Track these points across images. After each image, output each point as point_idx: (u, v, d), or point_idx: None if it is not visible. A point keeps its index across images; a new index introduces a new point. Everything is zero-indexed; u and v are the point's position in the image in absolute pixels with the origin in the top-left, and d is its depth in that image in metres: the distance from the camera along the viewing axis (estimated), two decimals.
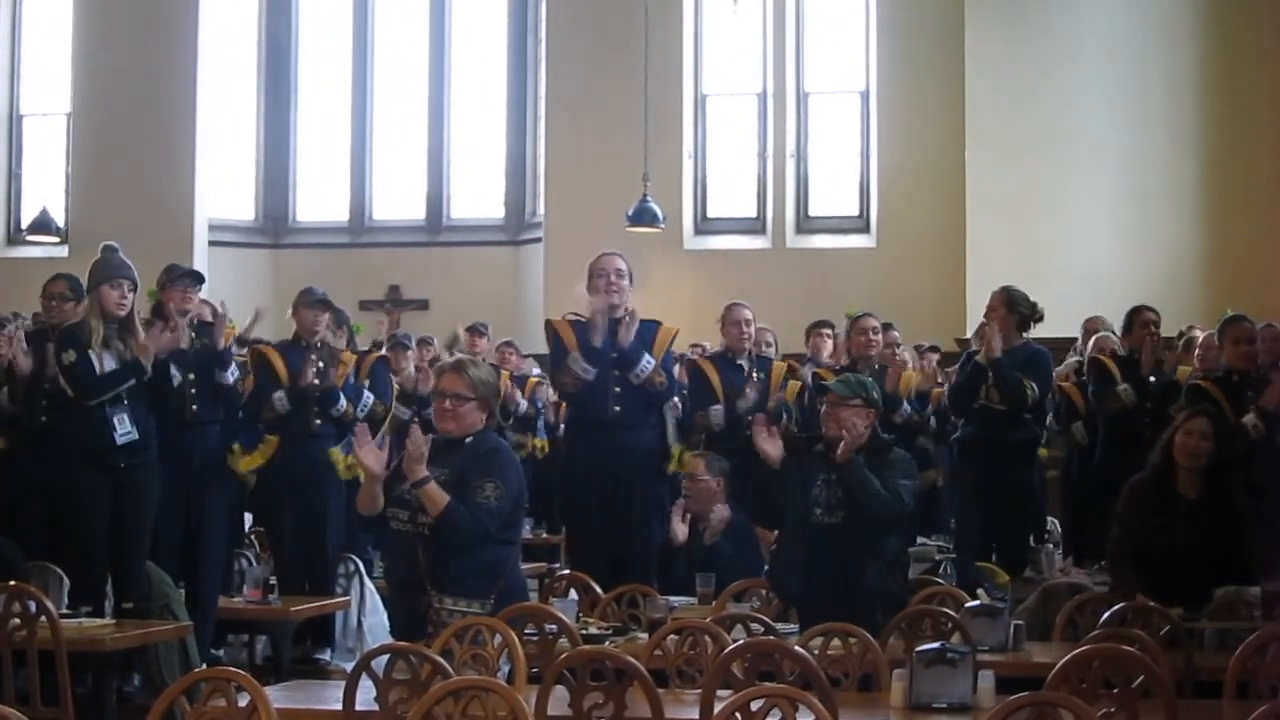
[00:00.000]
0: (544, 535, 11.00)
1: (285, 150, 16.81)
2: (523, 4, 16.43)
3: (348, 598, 8.50)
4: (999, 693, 4.54)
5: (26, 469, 7.29)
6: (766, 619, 5.70)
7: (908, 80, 14.62)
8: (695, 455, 7.59)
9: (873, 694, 4.93)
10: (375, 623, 8.46)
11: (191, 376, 7.68)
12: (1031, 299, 8.22)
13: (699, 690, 4.56)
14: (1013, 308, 8.14)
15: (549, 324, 7.72)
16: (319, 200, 16.90)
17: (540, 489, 9.86)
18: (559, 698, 4.35)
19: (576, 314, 7.57)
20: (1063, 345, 10.04)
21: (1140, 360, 8.47)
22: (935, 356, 10.43)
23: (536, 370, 11.92)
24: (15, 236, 16.09)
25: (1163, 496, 6.36)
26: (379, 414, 8.57)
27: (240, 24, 16.61)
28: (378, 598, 8.51)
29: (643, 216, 13.62)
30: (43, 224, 14.79)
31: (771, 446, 6.17)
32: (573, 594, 6.82)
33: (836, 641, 5.07)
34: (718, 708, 4.09)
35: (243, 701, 4.12)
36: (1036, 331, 8.35)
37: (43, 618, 5.87)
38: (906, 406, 8.80)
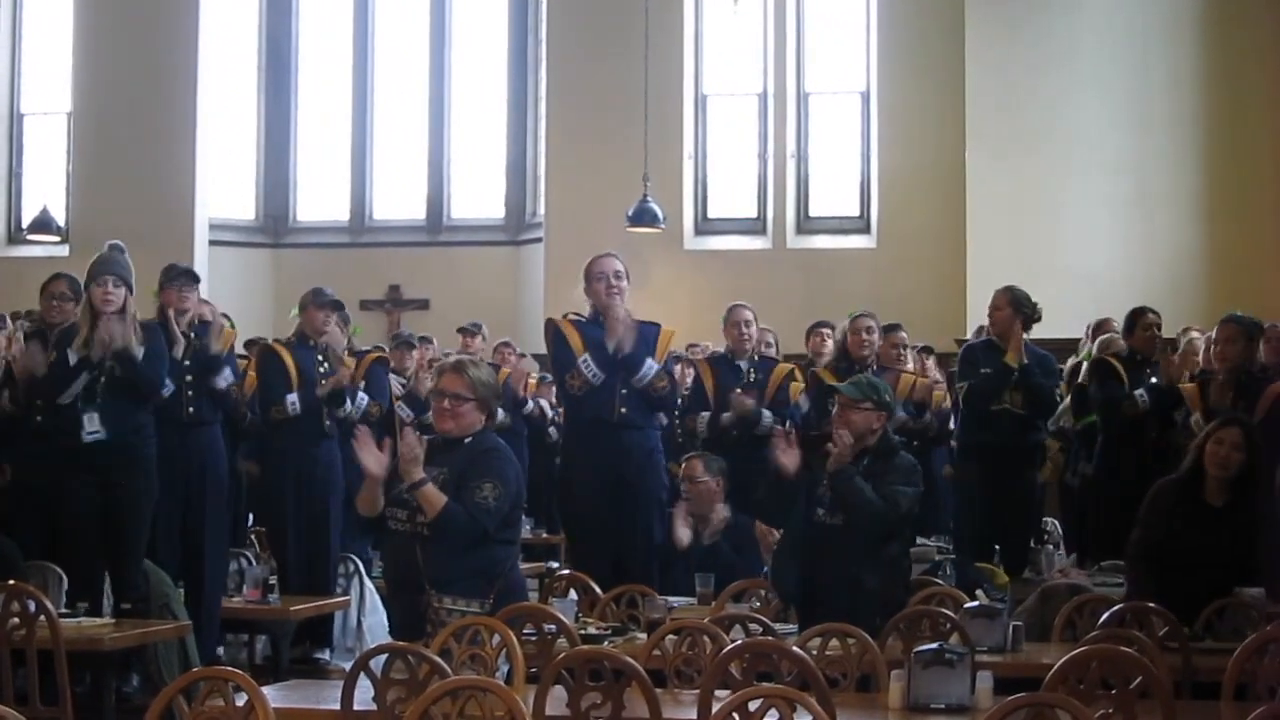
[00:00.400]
0: (544, 535, 11.01)
1: (285, 150, 16.82)
2: (523, 4, 16.43)
3: (347, 597, 8.50)
4: (997, 693, 4.53)
5: (24, 468, 7.28)
6: (765, 619, 5.69)
7: (908, 81, 14.62)
8: (692, 456, 7.58)
9: (871, 695, 4.93)
10: (374, 622, 8.45)
11: (189, 378, 7.65)
12: (1032, 299, 8.25)
13: (697, 690, 4.55)
14: (1018, 308, 8.18)
15: (550, 323, 7.59)
16: (319, 200, 16.91)
17: (540, 489, 9.86)
18: (557, 698, 4.35)
19: (578, 314, 7.55)
20: (1062, 345, 10.03)
21: (1145, 361, 8.49)
22: (930, 358, 10.42)
23: (537, 370, 11.92)
24: (16, 236, 16.11)
25: (1189, 502, 6.24)
26: (373, 415, 8.57)
27: (240, 24, 16.62)
28: (377, 597, 8.50)
29: (643, 217, 13.62)
30: (43, 223, 14.79)
31: (789, 459, 6.14)
32: (572, 594, 6.81)
33: (835, 642, 5.06)
34: (715, 708, 4.08)
35: (240, 701, 4.12)
36: (1036, 331, 8.36)
37: (42, 617, 5.86)
38: (901, 412, 8.76)
